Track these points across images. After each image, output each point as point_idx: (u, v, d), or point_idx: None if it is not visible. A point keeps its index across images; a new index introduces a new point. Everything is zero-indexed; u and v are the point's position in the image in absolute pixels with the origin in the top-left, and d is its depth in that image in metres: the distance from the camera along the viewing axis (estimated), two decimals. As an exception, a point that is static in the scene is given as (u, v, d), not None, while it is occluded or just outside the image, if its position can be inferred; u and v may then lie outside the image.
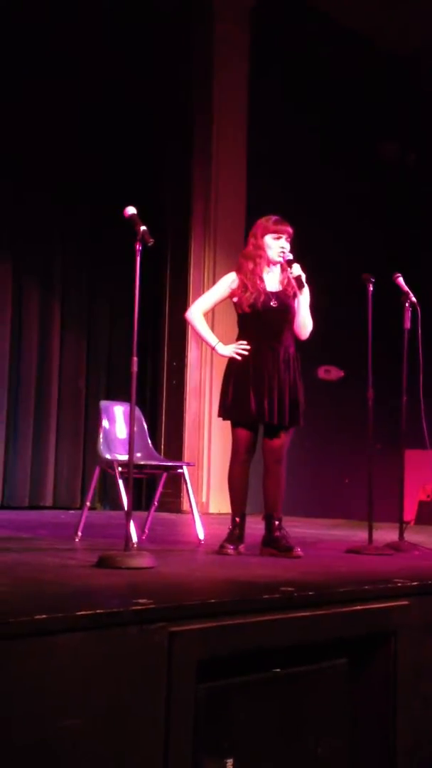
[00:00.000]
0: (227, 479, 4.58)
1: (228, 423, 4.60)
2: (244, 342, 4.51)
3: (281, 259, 4.52)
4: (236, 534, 4.45)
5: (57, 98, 8.20)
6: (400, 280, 5.26)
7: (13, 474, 8.02)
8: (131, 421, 3.94)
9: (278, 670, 2.77)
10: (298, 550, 4.32)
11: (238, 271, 4.59)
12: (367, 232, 9.74)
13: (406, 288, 5.24)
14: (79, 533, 4.88)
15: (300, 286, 4.50)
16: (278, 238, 4.54)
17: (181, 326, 8.46)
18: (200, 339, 4.97)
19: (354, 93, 9.83)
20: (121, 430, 5.26)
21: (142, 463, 5.15)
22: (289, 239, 4.55)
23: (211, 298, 4.70)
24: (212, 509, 8.30)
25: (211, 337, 4.61)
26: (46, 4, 8.01)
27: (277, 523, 4.45)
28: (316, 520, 7.81)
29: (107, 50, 8.57)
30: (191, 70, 9.18)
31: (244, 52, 9.24)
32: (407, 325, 5.20)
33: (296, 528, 5.57)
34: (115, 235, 7.52)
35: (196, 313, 4.66)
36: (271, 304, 4.50)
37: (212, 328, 4.69)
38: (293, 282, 4.50)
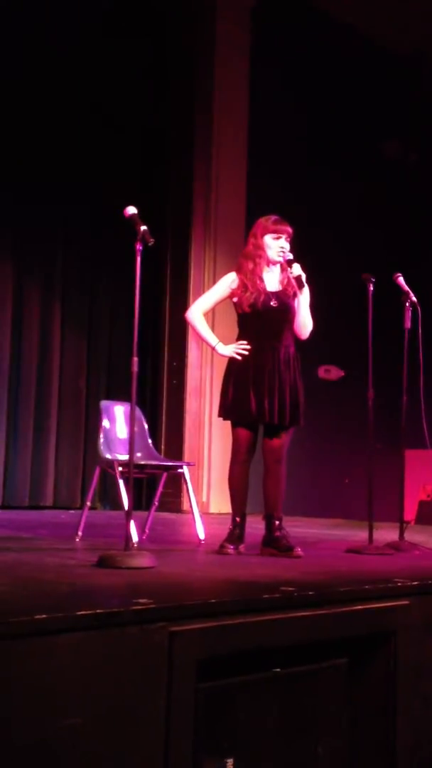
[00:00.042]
0: (227, 479, 4.57)
1: (228, 423, 4.60)
2: (245, 342, 4.51)
3: (281, 259, 4.52)
4: (236, 534, 4.45)
5: (57, 98, 8.22)
6: (401, 279, 5.26)
7: (13, 474, 8.03)
8: (131, 421, 3.94)
9: (278, 669, 2.77)
10: (299, 550, 4.32)
11: (238, 271, 4.59)
12: (367, 232, 9.73)
13: (406, 288, 5.24)
14: (80, 533, 4.88)
15: (300, 285, 4.49)
16: (278, 237, 4.53)
17: (181, 326, 8.46)
18: (200, 339, 4.96)
19: (354, 93, 9.83)
20: (121, 430, 5.26)
21: (142, 462, 5.15)
22: (288, 239, 4.55)
23: (211, 298, 4.70)
24: (212, 509, 8.31)
25: (211, 337, 4.60)
26: (46, 3, 8.02)
27: (277, 522, 4.44)
28: (316, 520, 7.81)
29: (108, 50, 8.59)
30: (192, 69, 9.19)
31: (245, 52, 9.25)
32: (407, 324, 5.20)
33: (296, 528, 5.57)
34: (115, 235, 7.55)
35: (196, 313, 4.66)
36: (271, 303, 4.49)
37: (212, 328, 4.69)
38: (293, 282, 4.50)
